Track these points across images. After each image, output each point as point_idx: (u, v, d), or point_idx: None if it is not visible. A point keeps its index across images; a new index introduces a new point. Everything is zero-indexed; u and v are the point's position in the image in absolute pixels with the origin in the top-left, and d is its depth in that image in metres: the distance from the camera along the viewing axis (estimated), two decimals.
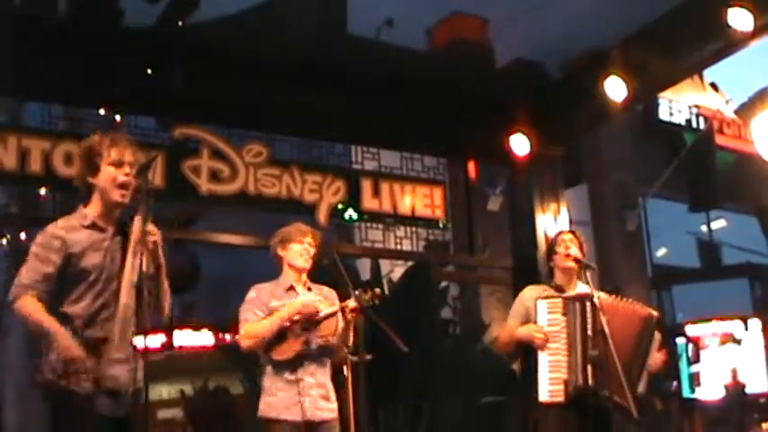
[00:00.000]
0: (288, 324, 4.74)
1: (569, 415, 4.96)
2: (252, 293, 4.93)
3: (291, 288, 4.94)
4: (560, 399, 4.95)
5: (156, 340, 13.30)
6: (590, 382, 4.88)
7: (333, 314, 4.79)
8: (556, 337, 5.03)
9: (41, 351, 3.61)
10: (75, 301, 3.64)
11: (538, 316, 5.11)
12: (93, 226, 3.73)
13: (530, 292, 5.34)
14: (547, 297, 5.17)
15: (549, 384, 5.00)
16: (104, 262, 3.69)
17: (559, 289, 5.24)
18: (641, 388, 4.99)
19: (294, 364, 4.74)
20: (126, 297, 3.63)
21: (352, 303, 4.70)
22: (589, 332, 4.92)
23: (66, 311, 3.63)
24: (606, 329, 4.78)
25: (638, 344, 5.07)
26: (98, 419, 3.54)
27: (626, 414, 4.90)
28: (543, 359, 5.05)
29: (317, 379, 4.80)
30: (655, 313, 5.21)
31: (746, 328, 11.80)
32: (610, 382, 4.85)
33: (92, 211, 3.78)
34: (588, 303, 4.96)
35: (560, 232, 5.66)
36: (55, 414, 3.62)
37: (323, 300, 4.92)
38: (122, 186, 3.73)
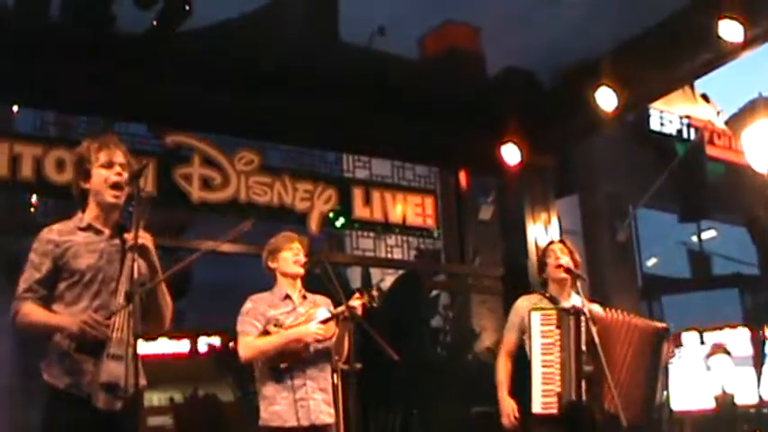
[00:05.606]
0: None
1: (561, 428, 4.95)
2: (248, 305, 4.90)
3: (287, 297, 4.93)
4: (554, 411, 4.93)
5: (150, 347, 13.29)
6: (583, 398, 4.87)
7: (328, 320, 4.79)
8: (549, 349, 5.01)
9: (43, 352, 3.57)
10: (73, 302, 3.59)
11: (531, 327, 5.09)
12: (89, 228, 3.70)
13: (524, 303, 5.34)
14: (540, 309, 5.16)
15: (542, 396, 4.97)
16: (100, 263, 3.65)
17: (553, 300, 5.23)
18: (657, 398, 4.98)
19: (294, 370, 4.73)
20: (122, 298, 3.60)
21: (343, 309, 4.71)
22: (583, 347, 4.90)
23: (64, 314, 3.58)
24: (597, 341, 4.78)
25: (643, 357, 5.06)
26: (92, 419, 3.48)
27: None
28: (536, 371, 5.03)
29: (318, 383, 4.79)
30: (660, 325, 5.23)
31: (736, 339, 11.81)
32: (604, 395, 4.85)
33: (88, 214, 3.74)
34: (582, 317, 4.95)
35: (550, 242, 5.66)
36: (49, 416, 3.58)
37: (319, 307, 4.91)
38: (114, 186, 3.69)
